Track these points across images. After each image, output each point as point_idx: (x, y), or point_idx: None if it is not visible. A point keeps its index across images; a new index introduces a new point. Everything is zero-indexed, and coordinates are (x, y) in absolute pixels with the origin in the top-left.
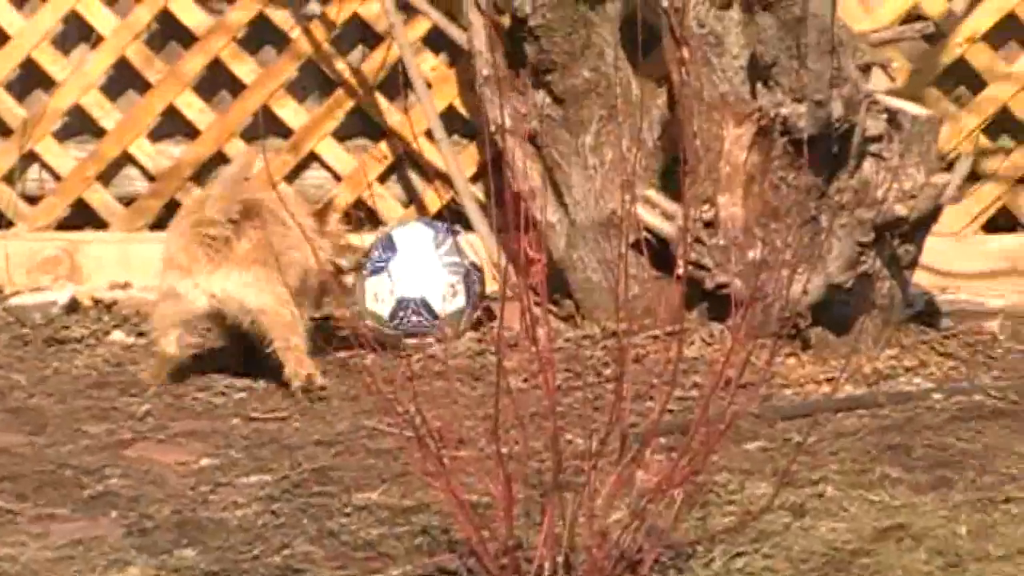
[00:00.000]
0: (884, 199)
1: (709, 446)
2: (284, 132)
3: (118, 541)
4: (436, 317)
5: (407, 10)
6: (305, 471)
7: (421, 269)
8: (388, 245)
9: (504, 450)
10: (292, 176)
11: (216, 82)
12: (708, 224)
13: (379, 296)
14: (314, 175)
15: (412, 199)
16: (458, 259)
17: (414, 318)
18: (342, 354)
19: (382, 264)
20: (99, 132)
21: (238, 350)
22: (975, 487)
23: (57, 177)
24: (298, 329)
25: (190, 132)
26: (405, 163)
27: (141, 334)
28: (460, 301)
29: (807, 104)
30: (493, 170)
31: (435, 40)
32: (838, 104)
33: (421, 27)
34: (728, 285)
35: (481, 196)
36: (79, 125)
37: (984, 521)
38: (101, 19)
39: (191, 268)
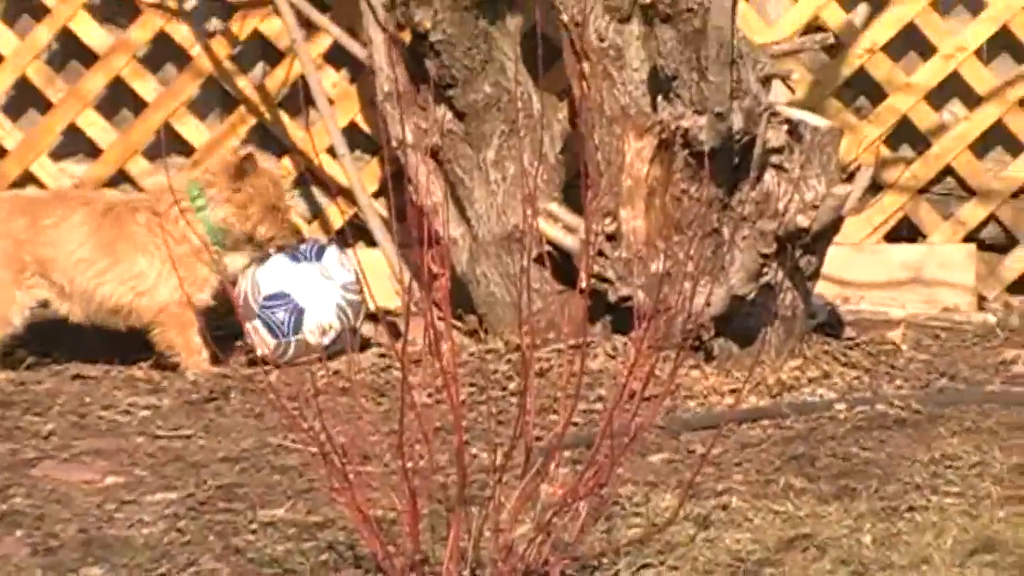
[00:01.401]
0: (786, 210)
1: (614, 459)
2: (186, 150)
3: (23, 560)
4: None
5: (308, 27)
6: (211, 488)
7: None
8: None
9: (409, 465)
10: None
11: (118, 101)
12: (611, 237)
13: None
14: None
15: (315, 215)
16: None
17: (281, 314)
18: (246, 371)
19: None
20: (1, 152)
21: None
22: (879, 496)
23: None
24: None
25: (92, 151)
26: (308, 179)
27: (46, 354)
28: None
29: (708, 116)
30: (395, 186)
31: (336, 56)
32: (739, 116)
33: (323, 43)
34: (631, 298)
35: (384, 212)
36: None
37: (888, 530)
38: (2, 39)
39: None
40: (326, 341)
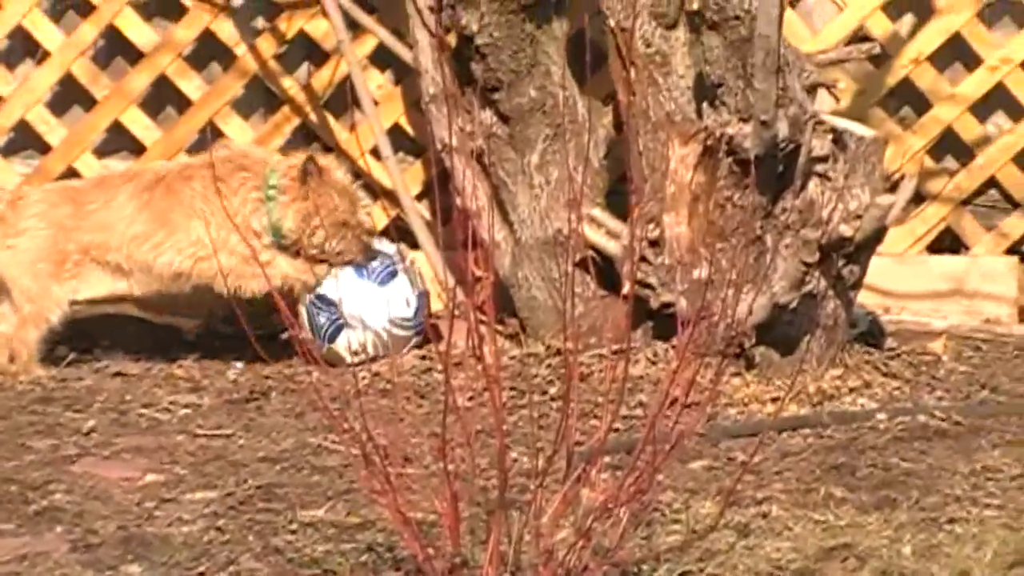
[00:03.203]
0: (829, 219)
1: (655, 465)
2: None
3: (63, 557)
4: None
5: (354, 28)
6: (250, 488)
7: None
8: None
9: (450, 467)
10: None
11: (162, 99)
12: (654, 243)
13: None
14: None
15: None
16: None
17: (322, 319)
18: (287, 370)
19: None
20: (44, 148)
21: None
22: (919, 507)
23: None
24: None
25: (136, 148)
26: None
27: (86, 350)
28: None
29: (753, 124)
30: (439, 188)
31: (382, 58)
32: (784, 124)
33: (368, 45)
34: (673, 304)
35: (427, 214)
36: (24, 141)
37: (928, 541)
38: (47, 35)
39: None
40: (355, 360)
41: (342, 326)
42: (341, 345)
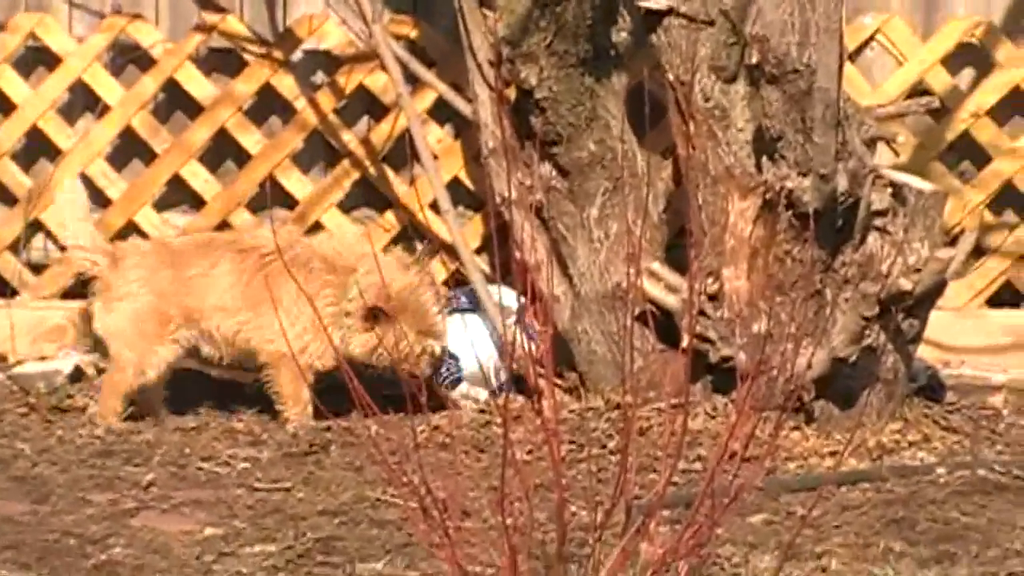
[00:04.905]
0: (889, 273)
1: (714, 519)
2: (290, 203)
3: None
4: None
5: (413, 82)
6: (309, 541)
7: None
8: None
9: (509, 521)
10: None
11: (222, 152)
12: (713, 297)
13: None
14: None
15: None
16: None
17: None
18: (345, 423)
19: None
20: (105, 202)
21: None
22: (978, 562)
23: (62, 247)
24: None
25: (196, 202)
26: (411, 234)
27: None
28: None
29: (812, 178)
30: (499, 242)
31: (441, 112)
32: (843, 178)
33: (427, 99)
34: (733, 358)
35: (486, 268)
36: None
37: None
38: (108, 89)
39: None
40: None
41: (460, 379)
42: (456, 396)
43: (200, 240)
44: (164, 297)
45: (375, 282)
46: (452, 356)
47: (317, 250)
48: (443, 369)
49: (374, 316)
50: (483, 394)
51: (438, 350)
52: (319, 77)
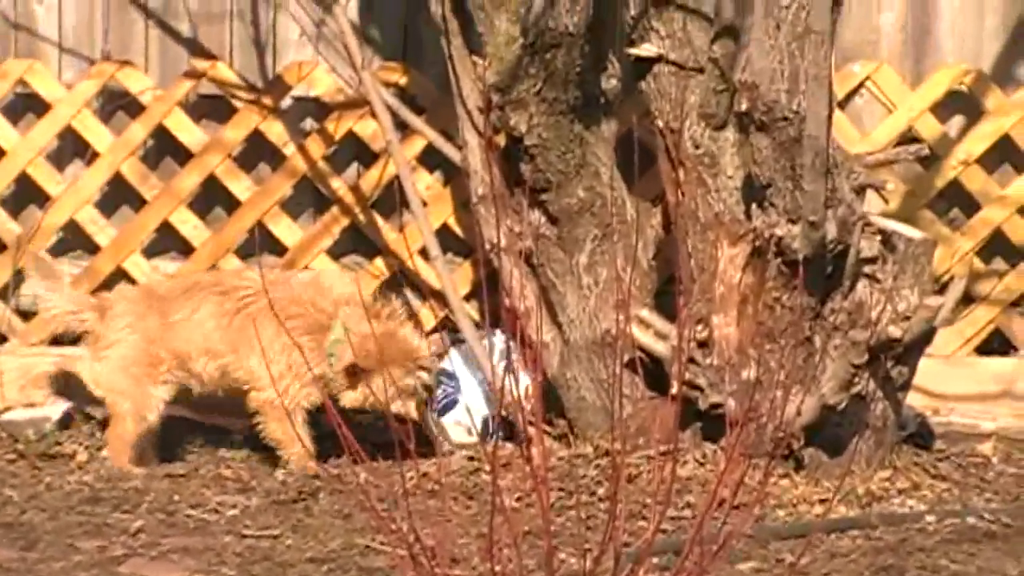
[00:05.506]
0: (878, 320)
1: (703, 566)
2: (279, 249)
3: None
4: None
5: (403, 128)
6: None
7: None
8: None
9: (498, 569)
10: None
11: (211, 199)
12: (702, 344)
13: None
14: None
15: (408, 317)
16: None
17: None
18: (335, 470)
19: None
20: (94, 248)
21: None
22: None
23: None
24: None
25: (185, 249)
26: (400, 281)
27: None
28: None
29: (802, 225)
30: (488, 289)
31: (431, 159)
32: (832, 225)
33: (417, 146)
34: (722, 405)
35: (475, 315)
36: (73, 241)
37: None
38: (97, 135)
39: None
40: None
41: (456, 400)
42: (450, 420)
43: (185, 284)
44: (152, 342)
45: (352, 342)
46: (448, 375)
47: (295, 292)
48: (439, 391)
49: (355, 373)
50: (479, 414)
51: (431, 380)
52: (308, 124)
